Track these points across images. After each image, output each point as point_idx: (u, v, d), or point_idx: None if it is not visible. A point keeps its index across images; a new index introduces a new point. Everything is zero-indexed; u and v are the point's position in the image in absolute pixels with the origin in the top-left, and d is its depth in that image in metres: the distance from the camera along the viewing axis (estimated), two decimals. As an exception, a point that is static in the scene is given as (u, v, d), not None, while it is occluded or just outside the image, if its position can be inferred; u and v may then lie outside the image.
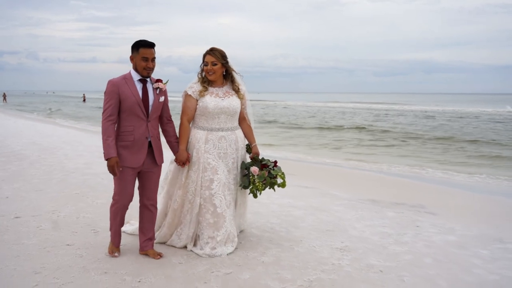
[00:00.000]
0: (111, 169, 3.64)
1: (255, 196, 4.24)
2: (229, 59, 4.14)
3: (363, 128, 22.28)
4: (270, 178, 4.16)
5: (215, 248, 3.97)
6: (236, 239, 4.16)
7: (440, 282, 3.55)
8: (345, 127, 23.91)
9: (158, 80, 3.86)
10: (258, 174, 4.12)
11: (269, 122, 27.85)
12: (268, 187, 4.21)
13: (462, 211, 6.09)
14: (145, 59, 3.70)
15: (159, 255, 3.96)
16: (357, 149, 14.78)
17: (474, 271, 3.80)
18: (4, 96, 51.59)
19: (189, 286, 3.38)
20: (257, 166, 4.18)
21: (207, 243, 4.00)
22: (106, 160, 3.63)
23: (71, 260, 3.83)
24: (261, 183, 4.12)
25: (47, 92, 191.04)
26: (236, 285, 3.42)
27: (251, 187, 4.16)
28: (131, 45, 3.78)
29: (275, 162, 4.29)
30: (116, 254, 3.97)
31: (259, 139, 4.63)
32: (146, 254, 3.98)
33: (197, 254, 3.98)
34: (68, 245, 4.19)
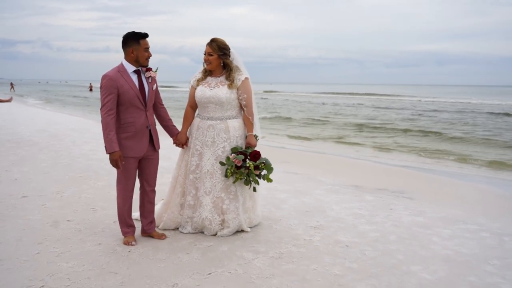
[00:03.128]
0: (115, 162, 3.73)
1: (253, 187, 4.28)
2: (232, 50, 4.22)
3: (363, 125, 22.00)
4: (241, 167, 4.08)
5: (197, 228, 4.34)
6: (212, 227, 4.25)
7: (398, 256, 3.93)
8: (347, 119, 24.08)
9: (148, 69, 3.96)
10: (228, 160, 4.12)
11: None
12: (246, 177, 4.14)
13: (438, 197, 6.45)
14: (147, 49, 3.84)
15: (163, 236, 4.21)
16: (353, 139, 15.04)
17: (431, 247, 4.17)
18: (12, 85, 53.62)
19: (173, 256, 3.80)
20: (234, 153, 4.16)
21: (187, 222, 4.37)
22: (109, 154, 3.73)
23: (70, 233, 4.28)
24: (230, 170, 4.09)
25: (60, 82, 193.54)
26: (214, 256, 3.84)
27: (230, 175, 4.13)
28: (123, 37, 3.83)
29: (254, 152, 4.17)
30: (133, 242, 4.01)
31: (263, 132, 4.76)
32: (151, 236, 4.21)
33: (182, 232, 4.35)
34: (68, 220, 4.64)
